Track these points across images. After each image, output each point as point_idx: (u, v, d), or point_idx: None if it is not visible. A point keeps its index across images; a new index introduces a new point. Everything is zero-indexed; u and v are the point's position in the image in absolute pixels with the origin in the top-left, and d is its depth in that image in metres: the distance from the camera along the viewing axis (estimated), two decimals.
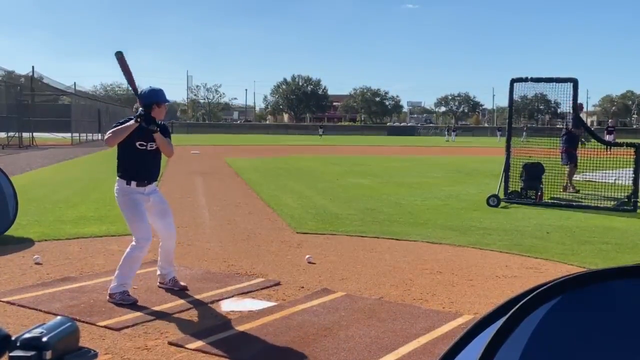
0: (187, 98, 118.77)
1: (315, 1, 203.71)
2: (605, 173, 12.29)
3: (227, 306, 5.10)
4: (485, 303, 5.23)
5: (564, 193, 12.69)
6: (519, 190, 11.89)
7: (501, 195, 11.58)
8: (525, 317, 1.65)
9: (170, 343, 4.20)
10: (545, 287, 1.68)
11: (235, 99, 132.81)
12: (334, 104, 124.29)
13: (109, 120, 54.68)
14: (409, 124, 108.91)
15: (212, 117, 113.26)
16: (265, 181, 15.59)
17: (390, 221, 9.45)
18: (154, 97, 5.16)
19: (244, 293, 5.46)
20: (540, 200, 11.57)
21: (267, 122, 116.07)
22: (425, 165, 23.28)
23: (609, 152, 13.46)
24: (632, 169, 11.11)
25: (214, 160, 24.74)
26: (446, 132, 69.44)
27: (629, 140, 12.04)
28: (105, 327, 4.49)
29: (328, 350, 4.09)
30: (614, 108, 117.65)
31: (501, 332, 1.63)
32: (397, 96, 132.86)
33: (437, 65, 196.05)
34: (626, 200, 11.06)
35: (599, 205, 11.47)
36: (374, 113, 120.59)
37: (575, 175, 13.20)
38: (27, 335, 1.31)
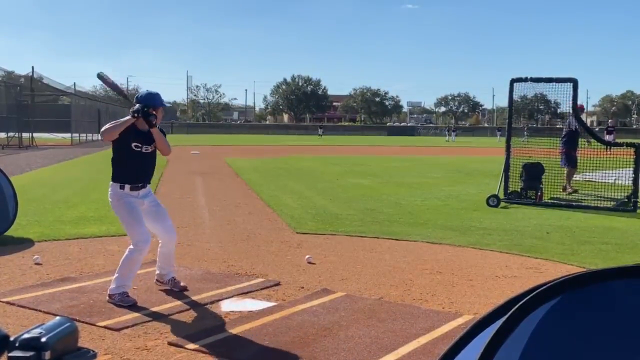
0: (187, 98, 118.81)
1: (315, 1, 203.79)
2: (605, 173, 12.29)
3: (226, 306, 5.10)
4: (485, 303, 5.23)
5: (564, 193, 12.68)
6: (519, 190, 11.89)
7: (501, 196, 11.57)
8: (525, 317, 1.65)
9: (170, 343, 4.20)
10: (544, 287, 1.68)
11: (235, 99, 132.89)
12: (334, 104, 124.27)
13: (109, 121, 54.74)
14: (408, 124, 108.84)
15: (212, 117, 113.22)
16: (265, 181, 15.59)
17: (390, 221, 9.45)
18: (150, 101, 5.12)
19: (243, 293, 5.46)
20: (540, 200, 11.57)
21: (267, 122, 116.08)
22: (425, 165, 23.28)
23: (608, 152, 13.45)
24: (632, 169, 11.11)
25: (214, 160, 24.74)
26: (446, 132, 69.44)
27: (628, 140, 12.03)
28: (105, 327, 4.49)
29: (328, 350, 4.09)
30: (613, 108, 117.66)
31: (501, 332, 1.63)
32: (397, 96, 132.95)
33: (437, 65, 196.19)
34: (626, 200, 11.06)
35: (598, 205, 11.47)
36: (374, 113, 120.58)
37: (575, 176, 13.18)
38: (26, 336, 1.31)
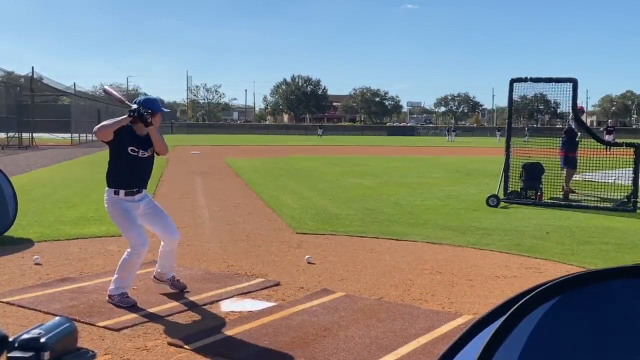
0: (187, 98, 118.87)
1: (315, 1, 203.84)
2: (605, 173, 12.29)
3: (226, 306, 5.10)
4: (485, 303, 5.22)
5: (574, 194, 12.57)
6: (519, 190, 11.89)
7: (501, 196, 11.57)
8: (524, 317, 1.66)
9: (169, 343, 4.20)
10: (544, 287, 1.68)
11: (235, 99, 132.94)
12: (334, 104, 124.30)
13: None
14: (408, 124, 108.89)
15: (212, 117, 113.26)
16: (265, 181, 15.59)
17: (390, 221, 9.45)
18: (148, 105, 5.08)
19: (243, 293, 5.46)
20: (539, 200, 11.57)
21: (267, 122, 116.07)
22: (425, 165, 23.28)
23: (608, 152, 13.45)
24: (631, 169, 11.11)
25: (214, 160, 24.74)
26: (446, 132, 69.45)
27: (628, 140, 12.03)
28: (104, 327, 4.49)
29: (327, 350, 4.09)
30: (613, 108, 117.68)
31: (500, 332, 1.64)
32: (397, 96, 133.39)
33: (436, 65, 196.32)
34: (626, 200, 11.06)
35: (598, 205, 11.47)
36: (374, 113, 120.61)
37: (575, 176, 13.13)
38: (25, 336, 1.31)
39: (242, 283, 5.79)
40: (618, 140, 13.51)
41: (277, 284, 5.79)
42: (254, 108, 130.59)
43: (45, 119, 40.57)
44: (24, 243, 7.49)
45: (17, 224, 8.11)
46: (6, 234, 7.72)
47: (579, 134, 12.69)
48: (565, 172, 12.52)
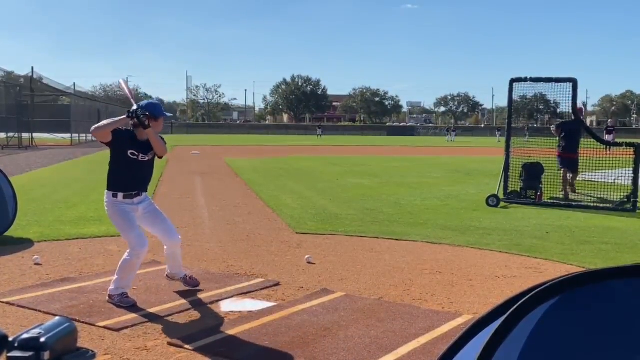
0: (187, 98, 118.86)
1: (315, 1, 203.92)
2: (605, 173, 12.28)
3: (226, 306, 5.10)
4: (485, 303, 5.22)
5: (574, 194, 12.53)
6: (519, 190, 11.88)
7: (501, 195, 11.57)
8: (524, 317, 1.66)
9: (169, 343, 4.20)
10: (543, 287, 1.68)
11: (235, 99, 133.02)
12: (334, 104, 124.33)
13: None
14: (408, 124, 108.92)
15: (212, 117, 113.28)
16: (264, 181, 15.59)
17: (389, 221, 9.45)
18: (150, 109, 5.07)
19: (243, 293, 5.46)
20: (539, 200, 11.56)
21: (267, 122, 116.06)
22: (425, 165, 23.28)
23: (608, 152, 13.44)
24: (631, 168, 11.11)
25: (214, 160, 24.74)
26: (446, 132, 69.45)
27: (628, 140, 12.03)
28: (104, 327, 4.49)
29: (327, 350, 4.09)
30: (613, 108, 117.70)
31: (500, 332, 1.63)
32: (397, 96, 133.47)
33: (436, 65, 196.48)
34: (626, 200, 11.06)
35: (598, 205, 11.47)
36: (374, 113, 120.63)
37: (578, 178, 13.06)
38: (25, 336, 1.31)
39: (242, 283, 5.79)
40: (618, 140, 13.50)
41: (277, 284, 5.79)
42: (254, 108, 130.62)
43: (45, 119, 40.56)
44: (24, 243, 7.49)
45: (17, 224, 8.11)
46: (6, 234, 7.72)
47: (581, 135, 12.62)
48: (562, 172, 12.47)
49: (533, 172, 11.90)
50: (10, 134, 32.76)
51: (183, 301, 5.20)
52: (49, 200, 11.53)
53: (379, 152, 34.36)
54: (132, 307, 4.95)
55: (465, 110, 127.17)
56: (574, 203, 11.69)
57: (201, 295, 5.37)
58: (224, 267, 6.47)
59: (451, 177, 17.70)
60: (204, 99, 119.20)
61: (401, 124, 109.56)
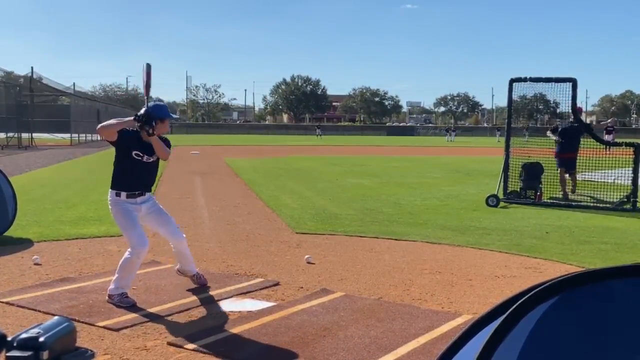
0: (187, 98, 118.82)
1: (314, 1, 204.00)
2: (605, 173, 12.28)
3: (226, 306, 5.10)
4: (485, 303, 5.22)
5: (573, 194, 12.51)
6: (518, 190, 11.88)
7: (500, 195, 11.57)
8: (524, 316, 1.65)
9: (169, 343, 4.20)
10: (543, 286, 1.68)
11: (235, 99, 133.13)
12: (334, 104, 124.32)
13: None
14: (408, 124, 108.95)
15: (212, 117, 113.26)
16: (264, 181, 15.59)
17: (389, 221, 9.45)
18: (158, 112, 5.12)
19: (243, 293, 5.46)
20: (539, 200, 11.56)
21: (267, 122, 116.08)
22: (425, 165, 23.28)
23: (608, 152, 13.44)
24: (631, 168, 11.11)
25: (214, 160, 24.73)
26: (445, 132, 69.41)
27: (628, 140, 12.03)
28: (104, 327, 4.49)
29: (327, 350, 4.09)
30: (613, 108, 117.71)
31: (499, 332, 1.63)
32: (397, 96, 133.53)
33: (436, 65, 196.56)
34: (625, 200, 11.06)
35: (598, 205, 11.47)
36: (374, 113, 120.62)
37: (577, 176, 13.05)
38: (24, 336, 1.31)
39: (241, 283, 5.79)
40: (618, 140, 13.49)
41: (277, 284, 5.79)
42: (254, 108, 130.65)
43: (44, 119, 40.57)
44: (24, 243, 7.49)
45: (17, 224, 8.10)
46: (6, 234, 7.71)
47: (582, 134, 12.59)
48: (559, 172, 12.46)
49: (533, 172, 11.90)
50: (10, 134, 32.76)
51: (183, 301, 5.20)
52: (49, 200, 11.53)
53: (379, 152, 34.36)
54: (132, 307, 4.95)
55: (465, 110, 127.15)
56: (573, 203, 11.69)
57: (201, 295, 5.37)
58: (224, 267, 6.47)
59: (451, 177, 17.70)
60: (203, 99, 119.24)
61: (401, 124, 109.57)
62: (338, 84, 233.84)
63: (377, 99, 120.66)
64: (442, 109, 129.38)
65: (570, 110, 11.66)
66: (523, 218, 9.92)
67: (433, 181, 16.34)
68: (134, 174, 5.14)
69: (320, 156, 28.78)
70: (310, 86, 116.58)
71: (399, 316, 4.83)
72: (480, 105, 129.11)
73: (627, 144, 11.32)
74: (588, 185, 12.95)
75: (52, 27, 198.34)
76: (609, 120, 33.46)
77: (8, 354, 1.28)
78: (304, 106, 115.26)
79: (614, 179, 12.34)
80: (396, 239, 8.03)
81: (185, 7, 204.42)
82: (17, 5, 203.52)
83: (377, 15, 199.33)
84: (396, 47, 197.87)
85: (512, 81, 11.56)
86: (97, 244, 7.55)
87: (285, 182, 15.44)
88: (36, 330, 1.33)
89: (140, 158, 5.10)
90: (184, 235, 5.55)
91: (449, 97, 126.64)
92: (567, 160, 12.38)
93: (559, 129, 12.54)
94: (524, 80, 11.46)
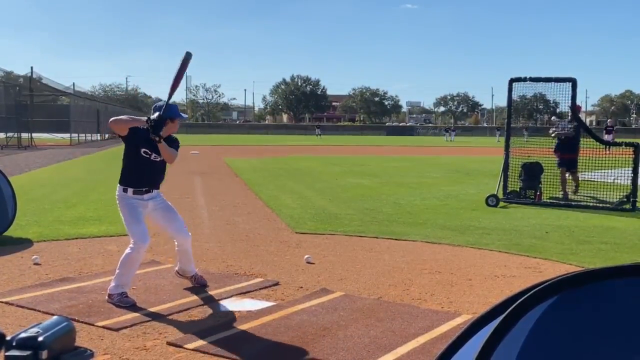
0: (186, 98, 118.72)
1: (314, 1, 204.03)
2: (604, 173, 12.28)
3: (226, 306, 5.10)
4: (484, 303, 5.22)
5: (575, 195, 12.48)
6: (518, 190, 11.88)
7: (500, 195, 11.57)
8: (523, 316, 1.66)
9: (169, 343, 4.19)
10: (542, 286, 1.68)
11: (234, 99, 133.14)
12: (333, 104, 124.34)
13: (108, 120, 54.70)
14: (408, 124, 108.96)
15: (211, 117, 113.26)
16: (264, 181, 15.58)
17: (389, 221, 9.45)
18: (168, 112, 5.15)
19: (242, 293, 5.46)
20: (539, 200, 11.56)
21: (266, 122, 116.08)
22: (424, 165, 23.28)
23: (607, 152, 13.43)
24: (630, 168, 11.11)
25: (213, 160, 24.73)
26: (444, 132, 69.33)
27: (628, 140, 12.02)
28: (103, 327, 4.49)
29: (327, 350, 4.09)
30: (612, 108, 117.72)
31: (498, 331, 1.63)
32: (396, 96, 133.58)
33: (436, 65, 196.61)
34: (625, 200, 11.06)
35: (597, 205, 11.47)
36: (373, 113, 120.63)
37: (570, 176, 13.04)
38: (23, 335, 1.31)
39: (241, 283, 5.79)
40: (617, 140, 13.49)
41: (276, 284, 5.79)
42: (253, 108, 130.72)
43: (44, 119, 40.54)
44: (23, 243, 7.49)
45: (16, 223, 8.10)
46: (5, 233, 7.71)
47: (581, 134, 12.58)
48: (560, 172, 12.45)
49: (532, 172, 11.90)
50: (10, 134, 32.75)
51: (182, 301, 5.20)
52: (48, 200, 11.53)
53: (379, 152, 34.36)
54: (131, 307, 4.95)
55: (465, 110, 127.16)
56: (573, 203, 11.69)
57: (200, 295, 5.37)
58: (223, 267, 6.47)
59: (451, 177, 17.70)
60: (203, 99, 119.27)
61: (401, 124, 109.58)
62: (338, 84, 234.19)
63: (376, 99, 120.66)
64: (442, 108, 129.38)
65: (569, 110, 11.65)
66: (523, 218, 9.92)
67: (433, 181, 16.34)
68: (141, 172, 5.19)
69: (320, 156, 28.78)
70: (310, 86, 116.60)
71: (399, 316, 4.83)
72: (480, 105, 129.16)
73: (627, 144, 11.32)
74: (588, 185, 12.94)
75: (52, 27, 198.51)
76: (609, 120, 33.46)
77: (7, 354, 1.28)
78: (304, 106, 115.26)
79: (614, 179, 12.34)
80: (396, 239, 8.03)
81: (185, 7, 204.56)
82: (17, 4, 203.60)
83: (377, 15, 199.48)
84: (396, 47, 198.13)
85: (511, 81, 11.56)
86: (96, 244, 7.55)
87: (285, 182, 15.44)
88: (35, 329, 1.33)
89: (148, 156, 5.16)
90: (190, 234, 5.57)
91: (449, 97, 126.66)
92: (567, 160, 12.37)
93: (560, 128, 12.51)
94: (524, 80, 11.46)
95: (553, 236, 8.31)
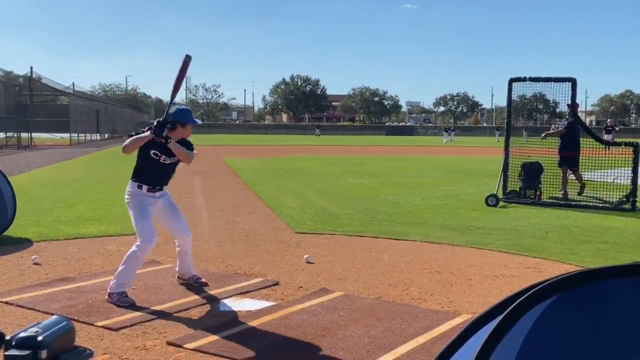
0: (186, 98, 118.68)
1: (314, 1, 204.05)
2: (604, 173, 12.28)
3: (225, 306, 5.10)
4: (484, 302, 5.22)
5: (579, 196, 12.46)
6: (518, 189, 11.88)
7: (500, 195, 11.57)
8: (522, 315, 1.65)
9: (168, 343, 4.19)
10: (541, 285, 1.68)
11: (234, 99, 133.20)
12: (333, 104, 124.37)
13: (108, 120, 54.72)
14: (407, 124, 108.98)
15: (211, 117, 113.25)
16: (264, 181, 15.58)
17: (389, 221, 9.45)
18: (179, 117, 5.29)
19: (242, 293, 5.46)
20: (538, 199, 11.56)
21: (266, 122, 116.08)
22: (424, 165, 23.28)
23: (607, 152, 13.44)
24: (630, 168, 11.11)
25: (213, 160, 24.72)
26: (444, 132, 69.25)
27: (627, 140, 12.02)
28: (103, 327, 4.49)
29: (326, 349, 4.09)
30: (612, 108, 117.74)
31: (498, 331, 1.63)
32: (396, 96, 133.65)
33: (435, 65, 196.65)
34: (624, 199, 11.06)
35: (597, 204, 11.47)
36: (373, 113, 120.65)
37: (571, 176, 13.03)
38: (22, 335, 1.31)
39: (241, 282, 5.79)
40: (617, 140, 13.49)
41: (276, 284, 5.79)
42: (253, 108, 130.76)
43: (44, 119, 40.56)
44: (23, 243, 7.49)
45: (16, 223, 8.10)
46: (5, 233, 7.71)
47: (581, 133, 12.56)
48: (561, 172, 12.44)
49: (532, 172, 11.90)
50: (9, 134, 32.74)
51: (182, 301, 5.20)
52: (48, 200, 11.52)
53: (378, 152, 34.36)
54: (131, 307, 4.95)
55: (465, 110, 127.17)
56: (573, 202, 11.69)
57: (200, 295, 5.37)
58: (223, 267, 6.47)
59: (450, 177, 17.70)
60: (203, 99, 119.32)
61: (400, 124, 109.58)
62: (337, 83, 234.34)
63: (376, 99, 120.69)
64: (442, 108, 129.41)
65: (569, 109, 11.66)
66: (522, 218, 9.92)
67: (432, 181, 16.34)
68: (152, 171, 5.31)
69: (320, 156, 28.78)
70: (310, 86, 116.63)
71: (399, 316, 4.83)
72: (480, 105, 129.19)
73: (627, 144, 11.32)
74: (587, 185, 12.94)
75: (52, 27, 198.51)
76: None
77: (6, 353, 1.28)
78: (304, 106, 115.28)
79: (613, 179, 12.35)
80: (395, 239, 8.03)
81: (184, 7, 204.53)
82: (17, 4, 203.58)
83: (377, 15, 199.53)
84: (395, 47, 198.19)
85: (511, 81, 11.56)
86: (96, 244, 7.54)
87: (284, 182, 15.44)
88: (34, 329, 1.33)
89: (157, 158, 5.25)
90: (191, 233, 5.67)
91: (449, 97, 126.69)
92: (568, 158, 12.35)
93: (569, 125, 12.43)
94: (524, 80, 11.46)
95: (553, 236, 8.31)
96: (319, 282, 5.88)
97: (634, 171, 10.98)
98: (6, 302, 5.05)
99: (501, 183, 11.82)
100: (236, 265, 6.55)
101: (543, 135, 12.87)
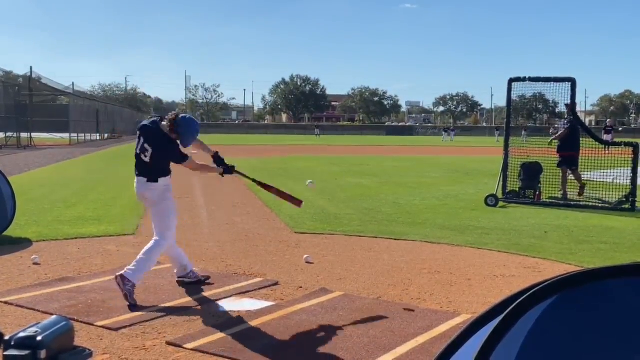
0: (186, 98, 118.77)
1: (313, 1, 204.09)
2: (604, 173, 12.28)
3: (225, 306, 5.10)
4: (483, 302, 5.22)
5: (580, 197, 12.45)
6: (517, 189, 11.88)
7: (499, 195, 11.57)
8: (522, 315, 1.65)
9: (168, 343, 4.19)
10: (541, 286, 1.68)
11: (234, 99, 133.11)
12: (333, 103, 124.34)
13: (107, 120, 54.70)
14: (407, 124, 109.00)
15: (211, 117, 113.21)
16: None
17: (388, 221, 9.45)
18: (184, 142, 5.50)
19: (242, 293, 5.46)
20: (538, 199, 11.57)
21: (266, 122, 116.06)
22: (424, 165, 23.28)
23: (607, 152, 13.44)
24: (630, 168, 11.11)
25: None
26: (443, 132, 69.20)
27: (627, 140, 12.02)
28: (103, 327, 4.48)
29: (326, 349, 4.09)
30: (612, 108, 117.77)
31: (498, 331, 1.63)
32: (396, 96, 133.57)
33: (435, 65, 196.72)
34: (624, 199, 11.06)
35: (597, 205, 11.47)
36: (373, 113, 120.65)
37: (570, 176, 13.02)
38: (21, 335, 1.30)
39: (240, 283, 5.79)
40: (617, 140, 13.49)
41: (276, 284, 5.78)
42: (253, 108, 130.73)
43: (43, 119, 40.54)
44: (23, 243, 7.49)
45: (16, 223, 8.10)
46: (5, 233, 7.71)
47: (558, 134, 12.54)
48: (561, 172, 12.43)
49: (532, 172, 11.90)
50: (9, 134, 32.72)
51: (182, 301, 5.20)
52: (48, 200, 11.52)
53: (378, 152, 34.36)
54: (131, 307, 4.95)
55: (464, 110, 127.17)
56: (572, 203, 11.69)
57: (200, 295, 5.37)
58: (223, 267, 6.47)
59: (450, 177, 17.70)
60: (202, 99, 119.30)
61: (400, 124, 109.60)
62: (337, 83, 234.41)
63: (376, 99, 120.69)
64: (441, 108, 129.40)
65: (568, 109, 11.66)
66: (522, 218, 9.93)
67: (432, 181, 16.34)
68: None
69: (320, 156, 28.78)
70: (310, 86, 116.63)
71: (398, 316, 4.83)
72: (480, 105, 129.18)
73: (626, 144, 11.33)
74: (587, 185, 12.94)
75: (52, 27, 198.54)
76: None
77: (6, 353, 1.28)
78: (303, 106, 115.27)
79: (613, 179, 12.35)
80: (395, 239, 8.03)
81: (184, 7, 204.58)
82: (17, 4, 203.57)
83: (376, 14, 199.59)
84: (395, 47, 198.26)
85: (511, 81, 11.57)
86: (96, 244, 7.54)
87: (284, 182, 15.42)
88: (34, 329, 1.33)
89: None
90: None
91: (448, 97, 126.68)
92: (568, 158, 12.34)
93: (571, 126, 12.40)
94: (523, 80, 11.46)
95: (552, 236, 8.31)
96: (319, 282, 5.88)
97: (634, 171, 10.98)
98: (6, 302, 5.05)
99: (501, 183, 11.82)
100: (236, 265, 6.55)
101: (550, 141, 12.85)
